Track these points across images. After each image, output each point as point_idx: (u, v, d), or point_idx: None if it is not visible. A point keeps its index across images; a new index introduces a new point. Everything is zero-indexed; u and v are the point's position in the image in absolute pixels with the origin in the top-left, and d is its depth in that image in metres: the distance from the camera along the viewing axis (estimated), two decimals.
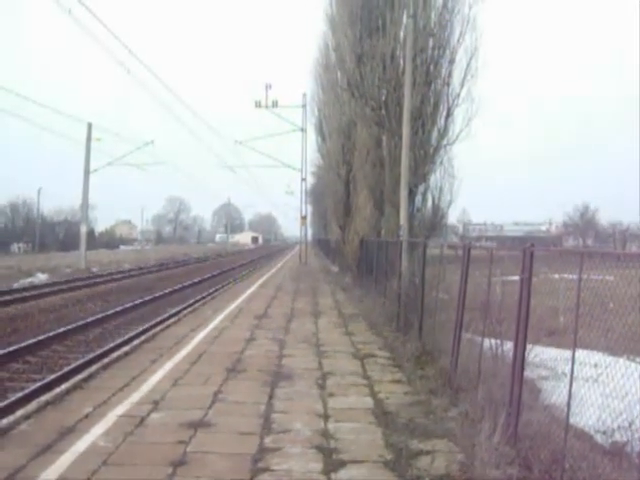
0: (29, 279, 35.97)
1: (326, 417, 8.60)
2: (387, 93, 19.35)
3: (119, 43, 28.33)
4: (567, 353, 6.39)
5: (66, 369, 12.95)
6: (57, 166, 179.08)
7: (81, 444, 7.25)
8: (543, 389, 8.17)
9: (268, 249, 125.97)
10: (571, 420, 6.07)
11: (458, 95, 18.82)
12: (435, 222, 19.92)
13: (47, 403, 8.98)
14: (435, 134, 19.13)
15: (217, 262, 65.29)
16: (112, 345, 15.39)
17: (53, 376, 12.28)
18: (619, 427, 6.07)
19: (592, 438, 6.95)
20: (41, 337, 16.18)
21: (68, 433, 7.64)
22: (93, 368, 11.42)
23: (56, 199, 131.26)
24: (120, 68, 30.46)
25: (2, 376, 12.93)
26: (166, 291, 29.65)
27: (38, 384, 11.57)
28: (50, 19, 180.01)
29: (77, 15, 24.11)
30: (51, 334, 16.72)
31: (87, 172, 48.10)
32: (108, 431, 7.76)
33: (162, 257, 71.88)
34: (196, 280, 36.77)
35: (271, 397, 9.62)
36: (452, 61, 18.78)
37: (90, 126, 48.24)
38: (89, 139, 48.08)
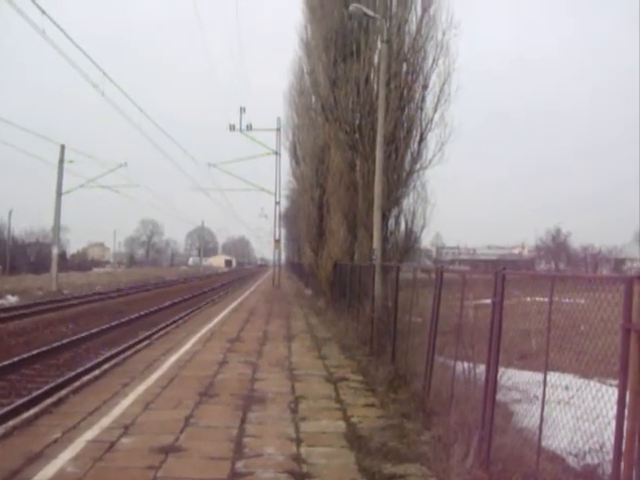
0: None
1: (298, 441, 8.54)
2: (361, 117, 19.46)
3: (93, 65, 28.06)
4: (539, 376, 6.42)
5: (35, 393, 12.75)
6: (29, 187, 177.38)
7: (49, 470, 7.12)
8: (515, 412, 8.18)
9: (241, 272, 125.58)
10: (543, 443, 6.09)
11: (431, 120, 18.93)
12: (408, 246, 19.94)
13: (14, 428, 8.82)
14: (408, 158, 19.22)
15: (190, 285, 64.90)
16: (83, 369, 15.19)
17: (21, 400, 12.08)
18: (590, 449, 6.09)
19: (564, 461, 6.96)
20: (10, 360, 15.91)
21: (36, 459, 7.50)
22: (63, 392, 11.25)
23: (27, 220, 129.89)
24: (94, 90, 30.31)
25: None
26: (138, 314, 29.38)
27: (6, 409, 11.36)
28: (22, 39, 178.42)
29: (50, 36, 23.87)
30: (20, 357, 16.46)
31: (59, 194, 47.74)
32: (77, 457, 7.63)
33: (134, 280, 71.23)
34: (168, 303, 36.50)
35: (243, 421, 9.54)
36: (425, 86, 18.92)
37: (63, 148, 47.96)
38: (62, 161, 47.74)
